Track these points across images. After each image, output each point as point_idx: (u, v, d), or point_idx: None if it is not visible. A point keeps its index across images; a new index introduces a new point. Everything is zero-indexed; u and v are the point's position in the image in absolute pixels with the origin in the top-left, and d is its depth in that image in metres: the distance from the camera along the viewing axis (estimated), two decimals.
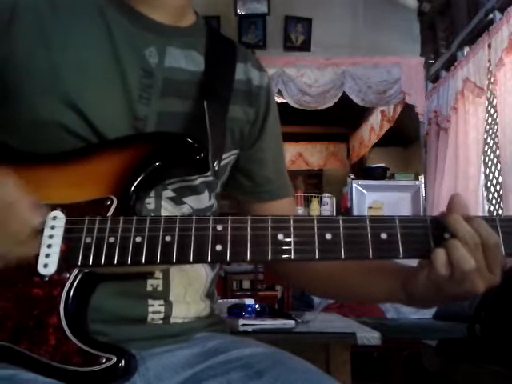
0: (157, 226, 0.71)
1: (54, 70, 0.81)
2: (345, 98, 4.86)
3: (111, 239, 0.71)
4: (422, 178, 5.30)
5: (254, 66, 1.00)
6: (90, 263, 0.70)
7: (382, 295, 0.88)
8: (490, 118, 4.09)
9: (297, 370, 0.77)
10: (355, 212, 4.95)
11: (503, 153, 3.44)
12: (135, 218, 0.72)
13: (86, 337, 0.69)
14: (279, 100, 5.01)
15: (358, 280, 0.89)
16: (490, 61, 3.61)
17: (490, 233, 0.70)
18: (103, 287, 0.75)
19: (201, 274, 0.90)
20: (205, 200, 0.91)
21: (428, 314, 3.97)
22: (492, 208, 4.08)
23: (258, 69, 1.00)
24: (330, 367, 1.86)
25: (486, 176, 4.15)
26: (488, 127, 4.09)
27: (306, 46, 4.88)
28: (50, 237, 0.72)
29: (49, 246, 0.71)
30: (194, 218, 0.72)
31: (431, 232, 0.71)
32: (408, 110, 5.06)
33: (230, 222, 0.71)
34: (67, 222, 0.73)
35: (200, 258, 0.70)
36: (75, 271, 0.71)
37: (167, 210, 0.84)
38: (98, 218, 0.72)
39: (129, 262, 0.70)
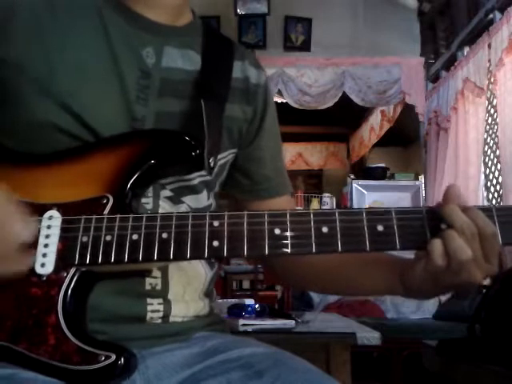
0: (153, 223, 0.71)
1: (50, 71, 0.81)
2: (345, 98, 4.86)
3: (108, 237, 0.70)
4: (421, 178, 5.31)
5: (252, 64, 0.99)
6: (87, 262, 0.70)
7: (379, 288, 0.88)
8: (490, 118, 4.09)
9: (297, 369, 0.76)
10: None
11: (503, 153, 3.44)
12: (131, 215, 0.72)
13: (85, 335, 0.69)
14: (279, 100, 5.02)
15: (355, 273, 0.89)
16: (489, 61, 3.61)
17: (487, 223, 0.70)
18: (101, 286, 0.75)
19: (200, 273, 0.90)
20: (203, 199, 0.91)
21: (428, 313, 3.97)
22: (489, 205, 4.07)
23: (256, 67, 1.00)
24: (330, 367, 1.86)
25: (486, 176, 4.15)
26: (488, 127, 4.09)
27: (306, 46, 4.89)
28: (47, 236, 0.71)
29: (45, 245, 0.71)
30: (191, 214, 0.72)
31: (427, 223, 0.71)
32: (408, 110, 5.06)
33: (226, 217, 0.71)
34: (63, 221, 0.72)
35: (197, 255, 0.70)
36: (72, 270, 0.71)
37: (165, 209, 0.84)
38: (94, 217, 0.72)
39: (126, 259, 0.69)
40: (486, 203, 4.10)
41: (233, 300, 2.34)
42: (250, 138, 0.97)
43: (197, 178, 0.88)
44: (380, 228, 0.70)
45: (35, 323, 0.69)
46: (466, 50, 4.25)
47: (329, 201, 5.65)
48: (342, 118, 6.83)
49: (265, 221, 0.71)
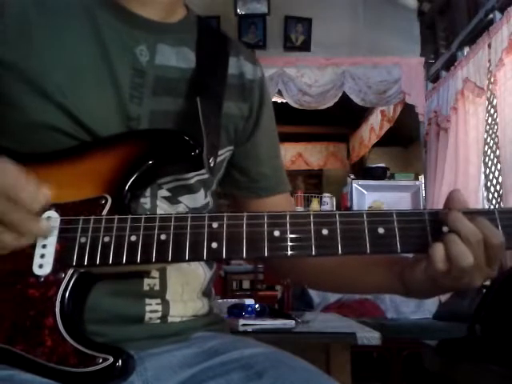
0: (152, 224, 0.70)
1: (42, 71, 0.80)
2: (345, 98, 4.86)
3: (106, 238, 0.70)
4: (421, 178, 5.30)
5: (247, 59, 0.98)
6: (85, 263, 0.70)
7: (380, 286, 0.87)
8: (490, 118, 4.09)
9: (297, 370, 0.76)
10: None
11: (503, 153, 3.43)
12: (130, 216, 0.71)
13: (83, 337, 0.69)
14: (279, 100, 5.02)
15: (355, 272, 0.88)
16: (490, 61, 3.61)
17: (495, 232, 0.68)
18: (100, 287, 0.74)
19: (198, 273, 0.90)
20: (200, 198, 0.90)
21: (428, 313, 3.97)
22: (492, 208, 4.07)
23: (252, 62, 0.98)
24: (330, 367, 1.86)
25: (486, 176, 4.15)
26: (488, 127, 4.09)
27: (305, 46, 4.88)
28: (45, 237, 0.71)
29: (44, 246, 0.71)
30: (190, 215, 0.71)
31: (429, 226, 0.70)
32: (408, 110, 5.06)
33: (225, 219, 0.70)
34: (62, 222, 0.72)
35: (196, 256, 0.70)
36: (70, 271, 0.70)
37: (162, 209, 0.84)
38: (92, 218, 0.72)
39: (124, 261, 0.69)
40: (486, 203, 4.10)
41: (233, 300, 2.34)
42: (247, 134, 0.96)
43: (194, 176, 0.87)
44: (381, 230, 0.69)
45: (33, 325, 0.68)
46: (466, 50, 4.24)
47: (329, 201, 5.65)
48: (342, 117, 6.83)
49: (264, 222, 0.70)
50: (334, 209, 5.53)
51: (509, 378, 1.94)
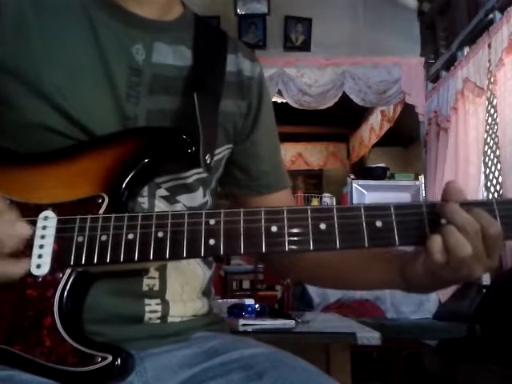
0: (149, 222, 0.70)
1: (38, 71, 0.80)
2: (345, 98, 4.86)
3: (103, 237, 0.70)
4: (421, 178, 5.30)
5: (246, 56, 0.97)
6: (83, 262, 0.69)
7: (380, 282, 0.86)
8: (490, 118, 4.08)
9: (297, 370, 0.76)
10: None
11: (503, 153, 3.43)
12: (127, 215, 0.71)
13: (82, 337, 0.69)
14: (279, 100, 5.02)
15: (355, 268, 0.88)
16: (490, 61, 3.61)
17: (492, 222, 0.68)
18: (99, 287, 0.74)
19: (197, 273, 0.90)
20: (199, 197, 0.90)
21: (428, 313, 3.98)
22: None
23: (250, 59, 0.97)
24: (330, 367, 1.86)
25: (486, 176, 4.15)
26: (488, 127, 4.08)
27: (305, 46, 4.88)
28: (42, 237, 0.71)
29: (41, 246, 0.70)
30: (187, 212, 0.71)
31: (427, 218, 0.70)
32: (408, 110, 5.06)
33: (222, 215, 0.70)
34: (59, 222, 0.72)
35: (193, 253, 0.69)
36: (68, 271, 0.70)
37: (160, 209, 0.83)
38: (89, 217, 0.71)
39: (121, 259, 0.69)
40: None
41: (233, 300, 2.34)
42: (245, 132, 0.96)
43: (193, 175, 0.87)
44: (379, 224, 0.69)
45: (31, 325, 0.68)
46: (466, 50, 4.24)
47: (329, 201, 5.66)
48: (342, 117, 6.83)
49: (261, 218, 0.70)
50: None
51: (509, 377, 1.94)
